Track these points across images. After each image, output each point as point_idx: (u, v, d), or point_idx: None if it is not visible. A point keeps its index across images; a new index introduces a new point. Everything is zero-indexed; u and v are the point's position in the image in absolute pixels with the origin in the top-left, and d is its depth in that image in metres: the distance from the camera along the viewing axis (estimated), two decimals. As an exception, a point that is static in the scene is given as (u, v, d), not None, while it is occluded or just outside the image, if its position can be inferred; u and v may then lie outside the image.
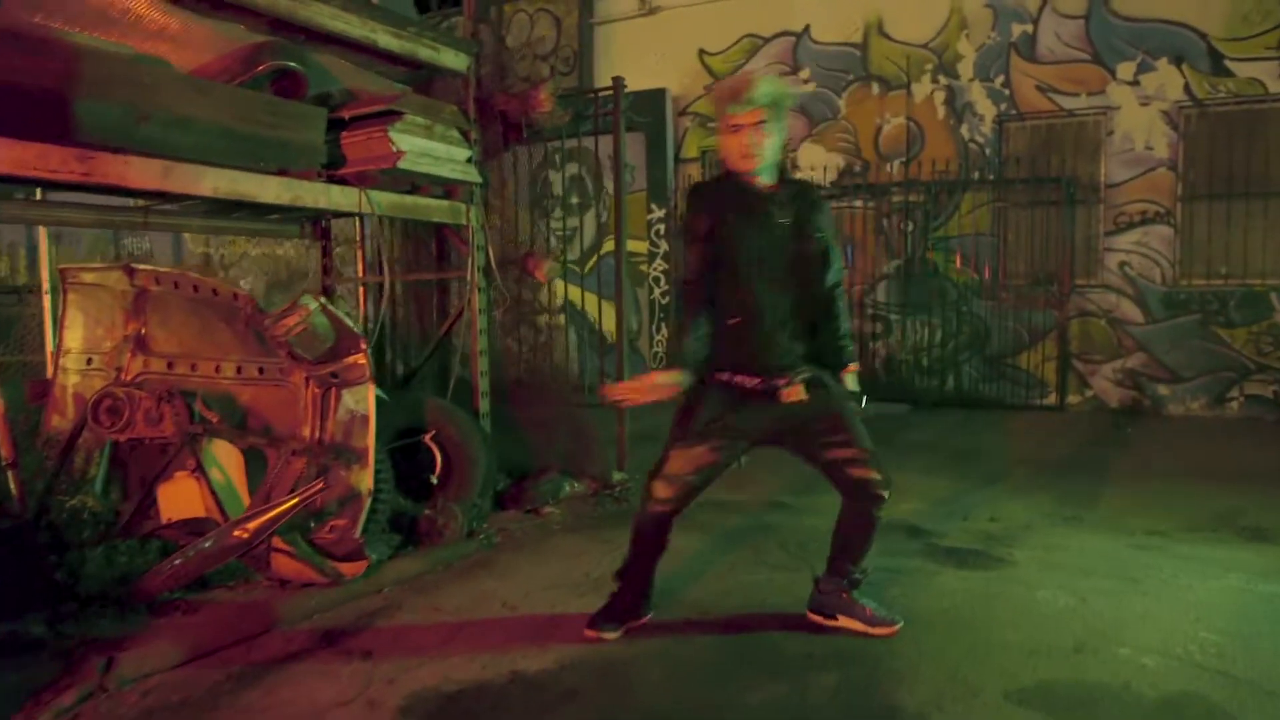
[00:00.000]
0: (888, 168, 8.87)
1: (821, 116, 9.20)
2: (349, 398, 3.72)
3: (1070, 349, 8.19)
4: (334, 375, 3.69)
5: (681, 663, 2.88)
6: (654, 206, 10.07)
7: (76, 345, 3.97)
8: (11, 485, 3.59)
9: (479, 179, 4.71)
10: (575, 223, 10.71)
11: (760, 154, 2.79)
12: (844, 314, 3.03)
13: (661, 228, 10.04)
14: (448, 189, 4.66)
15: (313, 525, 3.57)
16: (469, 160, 4.65)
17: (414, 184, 4.46)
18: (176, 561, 3.26)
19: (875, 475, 2.94)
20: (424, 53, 4.47)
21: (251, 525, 3.25)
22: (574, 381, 10.92)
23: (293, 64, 3.78)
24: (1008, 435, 7.21)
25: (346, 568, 3.45)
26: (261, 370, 3.80)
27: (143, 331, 3.88)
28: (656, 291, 10.13)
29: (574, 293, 10.78)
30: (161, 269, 3.86)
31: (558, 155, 10.64)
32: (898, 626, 3.02)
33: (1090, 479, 5.51)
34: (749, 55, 9.57)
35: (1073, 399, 8.22)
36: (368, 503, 3.61)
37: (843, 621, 3.06)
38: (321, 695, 2.64)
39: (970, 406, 8.39)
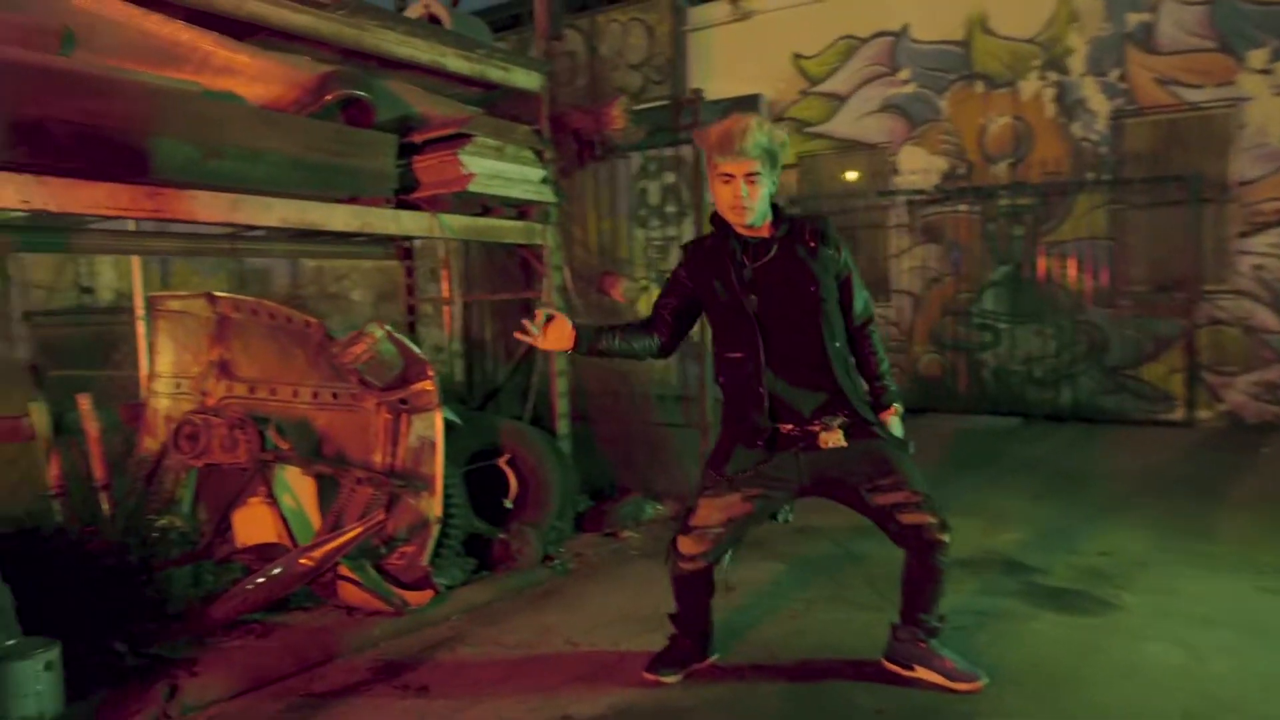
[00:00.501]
0: (993, 169, 8.42)
1: (923, 118, 8.82)
2: (419, 424, 3.71)
3: (1199, 360, 7.57)
4: (403, 401, 3.68)
5: (743, 713, 2.72)
6: (749, 215, 9.86)
7: (166, 369, 4.10)
8: (104, 505, 3.73)
9: (553, 198, 4.65)
10: (673, 232, 10.64)
11: (752, 206, 2.64)
12: (880, 350, 2.86)
13: (756, 236, 9.82)
14: (521, 209, 4.62)
15: (384, 552, 3.57)
16: (543, 180, 4.60)
17: (486, 205, 4.43)
18: (248, 587, 3.31)
19: (930, 520, 2.72)
20: (494, 74, 4.45)
21: (317, 554, 3.27)
22: (673, 394, 10.84)
23: (360, 92, 3.80)
24: (1127, 453, 6.70)
25: (412, 596, 3.43)
26: (335, 396, 3.83)
27: (226, 357, 3.98)
28: (752, 301, 9.91)
29: (669, 303, 10.70)
30: (240, 297, 3.95)
31: (654, 165, 10.62)
32: (981, 683, 2.78)
33: (1219, 506, 5.03)
34: (845, 57, 9.26)
35: (1203, 414, 7.59)
36: (436, 530, 3.58)
37: (920, 673, 2.84)
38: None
39: (1087, 421, 7.86)
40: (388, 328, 3.58)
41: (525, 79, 4.64)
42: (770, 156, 2.63)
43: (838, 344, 2.71)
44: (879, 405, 2.81)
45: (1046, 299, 8.18)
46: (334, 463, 3.55)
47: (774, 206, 2.74)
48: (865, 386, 2.83)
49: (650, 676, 2.88)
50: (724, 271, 2.71)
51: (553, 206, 4.74)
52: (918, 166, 8.80)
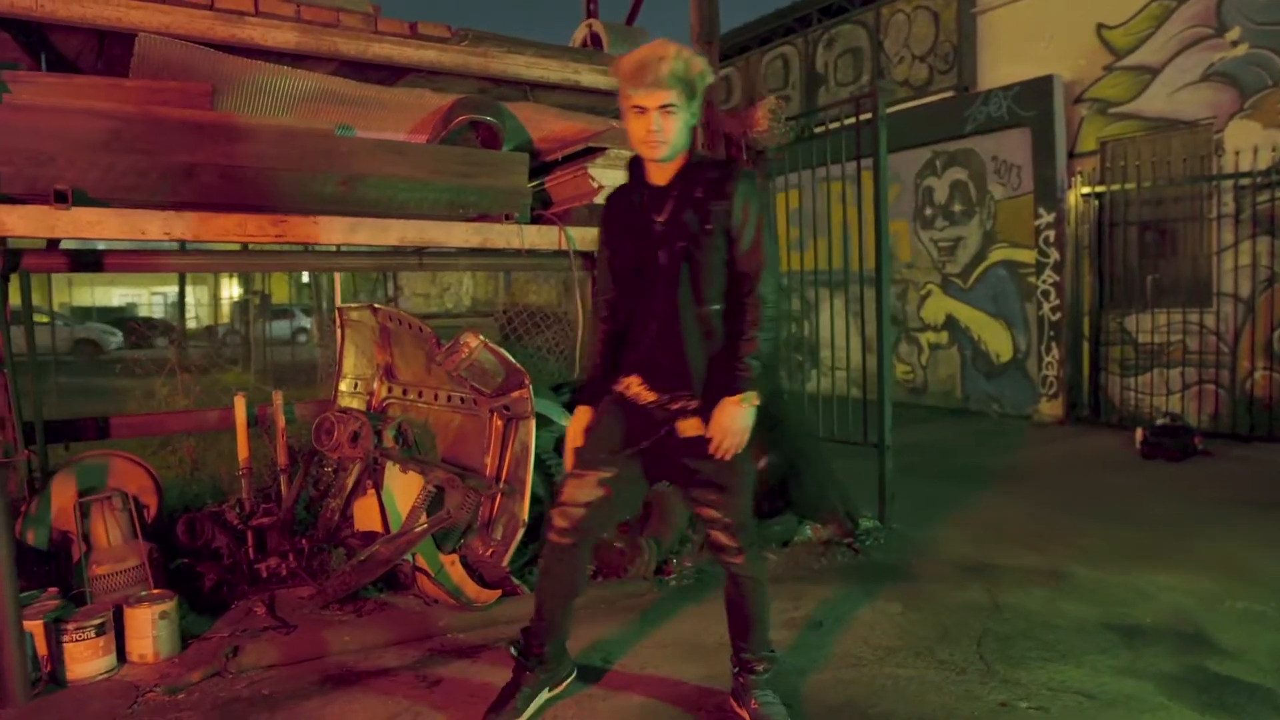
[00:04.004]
0: (1352, 142, 6.71)
1: (1257, 85, 7.27)
2: (522, 430, 3.88)
3: None
4: (506, 408, 3.88)
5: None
6: (1042, 211, 8.83)
7: (349, 371, 4.69)
8: (282, 487, 4.39)
9: (698, 207, 4.58)
10: (961, 232, 9.87)
11: (666, 140, 2.45)
12: (756, 327, 2.48)
13: (1051, 234, 8.76)
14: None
15: (479, 547, 3.79)
16: (689, 188, 4.55)
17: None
18: (346, 570, 3.71)
19: (729, 543, 2.59)
20: (637, 86, 4.48)
21: (390, 546, 3.57)
22: (959, 405, 10.00)
23: (486, 117, 4.07)
24: None
25: (481, 595, 3.61)
26: (462, 400, 4.14)
27: (389, 362, 4.46)
28: (1046, 307, 8.87)
29: (956, 308, 9.94)
30: (391, 309, 4.40)
31: (940, 161, 9.91)
32: None
33: None
34: (1158, 22, 7.92)
35: None
36: (520, 533, 3.73)
37: (741, 710, 2.69)
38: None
39: None
40: (482, 338, 3.79)
41: (675, 88, 4.62)
42: (687, 87, 2.43)
43: (712, 308, 2.49)
44: (728, 388, 2.46)
45: None
46: (421, 463, 3.83)
47: (691, 149, 2.57)
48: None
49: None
50: (633, 224, 2.58)
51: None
52: (1245, 144, 7.27)
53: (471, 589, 3.62)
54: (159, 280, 29.56)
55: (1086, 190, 8.51)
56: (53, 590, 3.28)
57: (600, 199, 4.22)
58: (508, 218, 4.14)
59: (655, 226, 2.52)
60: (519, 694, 2.73)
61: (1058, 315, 8.75)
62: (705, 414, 2.49)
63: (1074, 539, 4.79)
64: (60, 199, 3.21)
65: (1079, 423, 8.56)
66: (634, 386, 2.60)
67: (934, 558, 4.49)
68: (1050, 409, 8.84)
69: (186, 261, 4.96)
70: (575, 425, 2.71)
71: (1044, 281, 8.88)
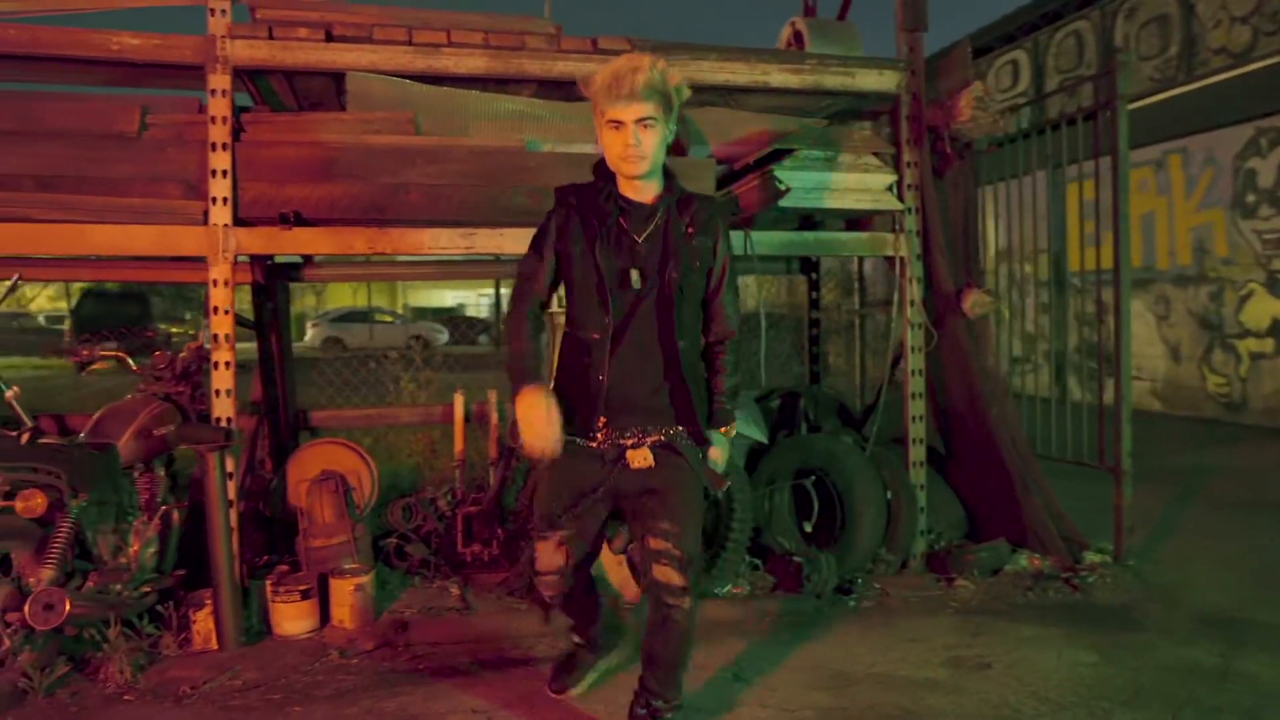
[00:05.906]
0: None
1: None
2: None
3: None
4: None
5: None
6: (1402, 192, 7.22)
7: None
8: (491, 478, 4.74)
9: (897, 205, 4.29)
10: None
11: (646, 155, 2.33)
12: (730, 370, 2.49)
13: None
14: (855, 219, 4.38)
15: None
16: (889, 187, 4.29)
17: (814, 218, 4.33)
18: (523, 561, 3.94)
19: (678, 583, 2.40)
20: (831, 81, 4.29)
21: (552, 541, 3.73)
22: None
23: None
24: None
25: (630, 594, 3.67)
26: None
27: (586, 364, 4.67)
28: None
29: (1287, 312, 8.47)
30: (559, 312, 4.58)
31: (1265, 140, 8.50)
32: None
33: None
34: None
35: None
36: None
37: None
38: (461, 705, 2.97)
39: None
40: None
41: (876, 80, 4.36)
42: (665, 100, 2.33)
43: (684, 343, 2.40)
44: (711, 421, 2.53)
45: None
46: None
47: (665, 169, 2.45)
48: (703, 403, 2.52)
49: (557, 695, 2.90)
50: (604, 236, 2.40)
51: (908, 213, 4.36)
52: None
53: (630, 591, 3.69)
54: (488, 283, 32.76)
55: None
56: (268, 557, 3.81)
57: (787, 201, 4.11)
58: (687, 224, 4.15)
59: (636, 246, 2.41)
60: (576, 669, 3.00)
61: None
62: (694, 439, 2.46)
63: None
64: (284, 221, 3.72)
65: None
66: (598, 432, 2.42)
67: (1171, 603, 3.88)
68: None
69: (389, 271, 5.52)
70: (533, 405, 2.33)
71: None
